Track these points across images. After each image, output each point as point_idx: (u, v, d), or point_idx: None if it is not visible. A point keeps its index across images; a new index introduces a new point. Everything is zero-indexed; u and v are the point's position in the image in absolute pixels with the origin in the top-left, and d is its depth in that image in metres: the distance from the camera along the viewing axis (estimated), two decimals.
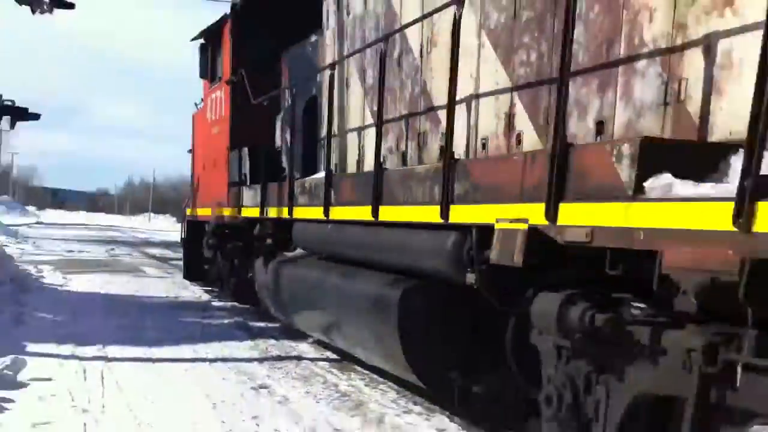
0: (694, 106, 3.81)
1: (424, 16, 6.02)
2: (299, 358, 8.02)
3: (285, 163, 9.58)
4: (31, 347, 7.62)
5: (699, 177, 3.34)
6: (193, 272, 14.55)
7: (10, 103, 14.57)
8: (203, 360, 7.69)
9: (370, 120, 7.34)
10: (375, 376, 7.20)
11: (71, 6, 14.02)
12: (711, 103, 3.71)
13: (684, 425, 3.37)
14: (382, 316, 5.92)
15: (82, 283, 13.70)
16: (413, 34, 6.52)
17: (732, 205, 2.89)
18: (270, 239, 9.61)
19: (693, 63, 3.82)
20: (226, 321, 10.22)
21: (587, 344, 3.99)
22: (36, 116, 15.27)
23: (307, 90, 9.27)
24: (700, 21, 3.78)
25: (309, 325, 8.18)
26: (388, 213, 6.04)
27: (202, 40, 13.05)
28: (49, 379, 6.38)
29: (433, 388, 5.97)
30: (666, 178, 3.46)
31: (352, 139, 7.72)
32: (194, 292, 13.48)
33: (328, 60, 8.46)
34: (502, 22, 5.27)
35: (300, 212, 8.14)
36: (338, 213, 7.05)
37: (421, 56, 6.42)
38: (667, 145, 3.70)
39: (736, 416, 3.27)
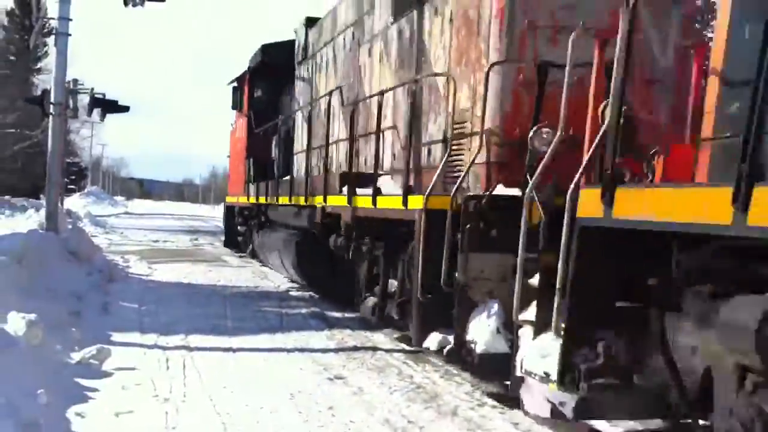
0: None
1: (322, 96, 11.66)
2: (375, 348, 8.06)
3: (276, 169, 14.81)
4: (116, 336, 7.88)
5: (363, 186, 8.66)
6: (229, 242, 20.73)
7: (100, 96, 14.95)
8: (281, 350, 7.83)
9: (303, 147, 12.60)
10: (450, 368, 7.19)
11: None
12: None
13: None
14: (290, 251, 11.87)
15: (166, 273, 14.10)
16: (321, 103, 11.62)
17: (345, 198, 9.07)
18: (263, 216, 15.53)
19: (388, 138, 9.03)
20: (303, 311, 10.37)
21: (356, 256, 9.20)
22: (125, 108, 15.62)
23: (288, 123, 14.53)
24: (387, 122, 8.88)
25: (271, 262, 14.42)
26: (295, 200, 12.02)
27: (235, 84, 18.97)
28: (133, 369, 6.59)
29: (312, 286, 11.82)
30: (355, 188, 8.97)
31: (301, 156, 12.81)
32: (273, 282, 13.72)
33: (294, 107, 14.34)
34: (344, 106, 10.57)
35: (270, 200, 14.17)
36: (281, 200, 13.06)
37: (322, 116, 11.41)
38: (349, 174, 9.27)
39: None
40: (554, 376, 4.57)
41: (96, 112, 15.36)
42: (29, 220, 19.30)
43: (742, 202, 3.22)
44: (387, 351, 7.96)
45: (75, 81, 14.66)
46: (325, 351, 7.86)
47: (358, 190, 8.88)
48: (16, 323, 6.38)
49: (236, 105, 18.96)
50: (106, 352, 6.77)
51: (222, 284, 13.01)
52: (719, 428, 3.80)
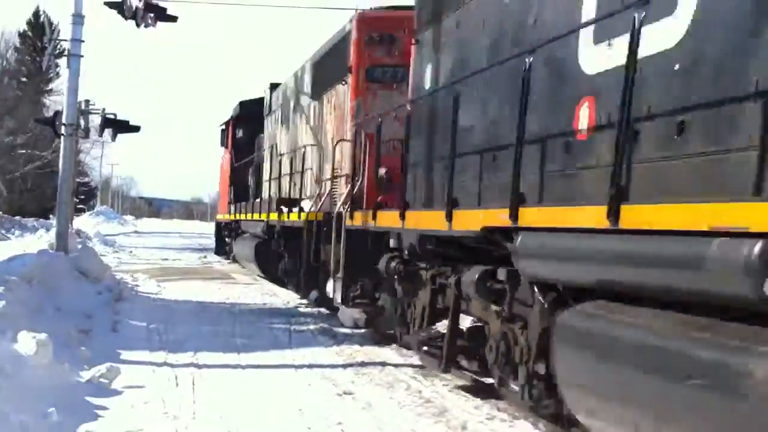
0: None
1: (273, 145, 17.18)
2: (383, 364, 8.07)
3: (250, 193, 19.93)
4: (126, 355, 7.91)
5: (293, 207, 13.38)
6: (219, 251, 25.75)
7: (112, 116, 15.02)
8: (290, 366, 7.84)
9: (267, 178, 17.71)
10: (459, 382, 7.20)
11: (174, 19, 14.52)
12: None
13: None
14: (251, 251, 16.74)
15: (175, 291, 14.14)
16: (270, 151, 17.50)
17: (277, 214, 14.48)
18: (239, 229, 20.23)
19: (308, 175, 13.41)
20: (312, 327, 10.39)
21: (286, 251, 14.11)
22: (136, 128, 15.68)
23: (258, 159, 19.31)
24: (308, 164, 13.50)
25: (243, 261, 19.22)
26: (255, 215, 16.81)
27: (222, 127, 24.74)
28: (142, 387, 6.61)
29: (264, 273, 16.52)
30: (286, 207, 13.94)
31: (265, 185, 17.81)
32: (282, 299, 13.74)
33: (263, 148, 18.66)
34: (287, 151, 15.46)
35: (242, 216, 19.36)
36: (248, 216, 18.17)
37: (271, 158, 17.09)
38: (281, 198, 14.52)
39: None
40: (340, 300, 9.71)
41: (107, 132, 15.42)
42: (39, 240, 19.42)
43: (374, 217, 8.16)
44: (395, 366, 7.97)
45: (87, 102, 14.75)
46: (333, 367, 7.88)
47: (285, 209, 13.68)
48: (27, 343, 6.42)
49: (223, 143, 24.75)
50: (116, 370, 6.79)
51: (231, 302, 13.04)
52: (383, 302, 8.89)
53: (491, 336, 5.93)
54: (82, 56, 14.39)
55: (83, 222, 43.79)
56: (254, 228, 17.10)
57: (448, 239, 6.53)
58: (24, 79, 46.37)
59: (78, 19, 14.33)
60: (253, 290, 15.05)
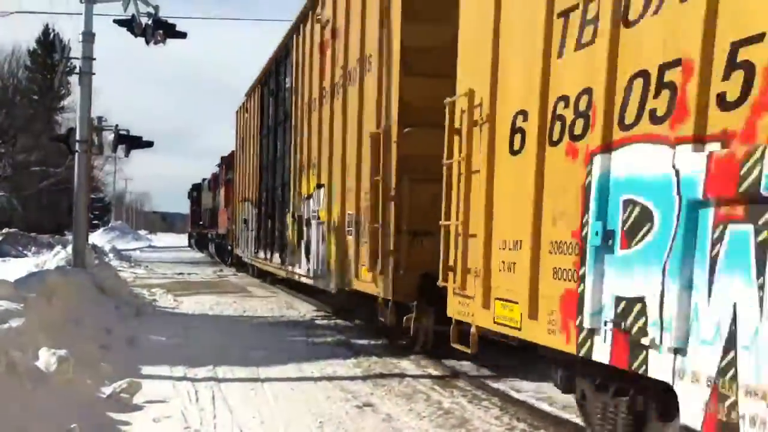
0: None
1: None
2: (402, 375, 8.08)
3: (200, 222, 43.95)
4: (146, 369, 7.95)
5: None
6: (189, 245, 52.48)
7: (125, 132, 15.07)
8: (308, 379, 7.85)
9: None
10: (478, 393, 7.19)
11: (183, 35, 14.59)
12: None
13: None
14: (194, 241, 52.20)
15: (192, 305, 14.19)
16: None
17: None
18: (194, 234, 50.71)
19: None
20: (329, 339, 10.40)
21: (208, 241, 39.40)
22: (149, 144, 15.72)
23: (201, 208, 42.49)
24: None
25: (194, 246, 50.88)
26: (198, 231, 46.69)
27: (188, 191, 51.45)
28: (163, 401, 6.64)
29: (195, 248, 48.61)
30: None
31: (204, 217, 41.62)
32: (298, 311, 13.77)
33: (202, 204, 41.46)
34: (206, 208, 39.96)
35: (194, 231, 49.85)
36: (196, 231, 48.88)
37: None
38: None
39: None
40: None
41: (120, 148, 15.48)
42: (56, 257, 19.53)
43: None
44: (414, 377, 7.97)
45: (99, 119, 14.82)
46: (352, 379, 7.88)
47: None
48: (48, 359, 6.46)
49: (188, 198, 48.94)
50: (137, 385, 6.82)
51: (248, 315, 13.08)
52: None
53: None
54: (94, 74, 14.48)
55: (97, 238, 44.03)
56: (196, 235, 43.20)
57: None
58: (35, 97, 46.74)
59: (88, 36, 14.43)
60: (270, 303, 15.07)
